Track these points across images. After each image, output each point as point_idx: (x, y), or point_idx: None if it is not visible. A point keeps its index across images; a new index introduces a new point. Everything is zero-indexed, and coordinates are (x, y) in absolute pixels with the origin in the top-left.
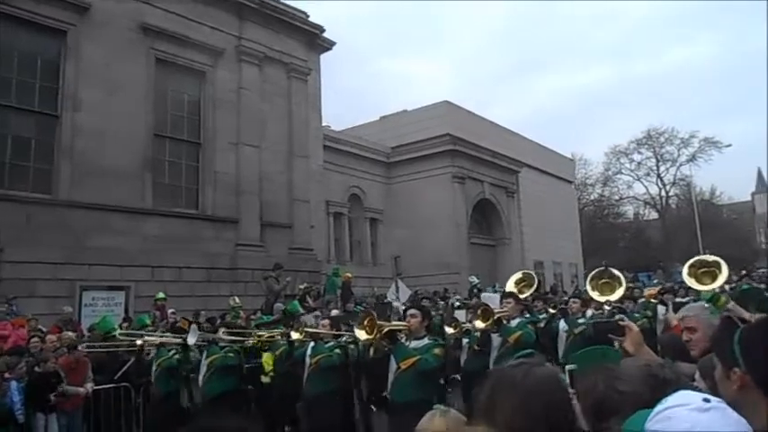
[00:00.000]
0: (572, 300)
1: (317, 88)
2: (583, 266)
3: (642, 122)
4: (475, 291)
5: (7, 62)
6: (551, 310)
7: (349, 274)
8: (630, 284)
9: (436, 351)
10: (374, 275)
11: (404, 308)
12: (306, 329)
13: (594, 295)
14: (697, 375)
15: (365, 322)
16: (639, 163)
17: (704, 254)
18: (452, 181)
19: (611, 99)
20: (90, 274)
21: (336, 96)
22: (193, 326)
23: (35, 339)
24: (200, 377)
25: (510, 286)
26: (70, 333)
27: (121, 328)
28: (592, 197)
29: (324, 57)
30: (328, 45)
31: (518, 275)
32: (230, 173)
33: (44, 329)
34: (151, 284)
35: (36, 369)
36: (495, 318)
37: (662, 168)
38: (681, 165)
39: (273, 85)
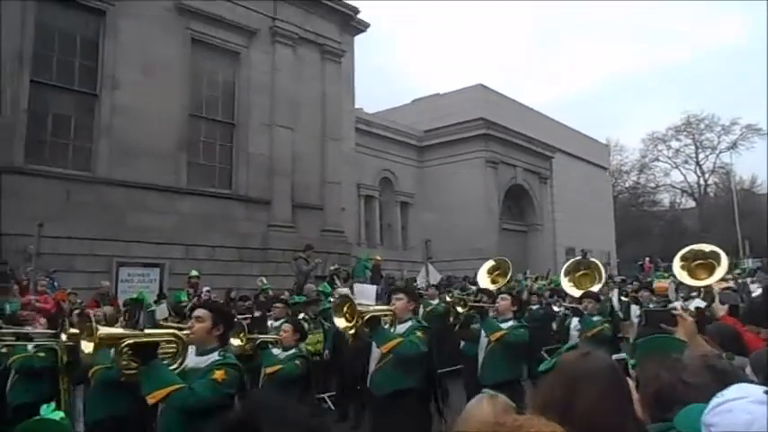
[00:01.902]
0: (587, 300)
1: (350, 70)
2: (615, 254)
3: (682, 108)
4: None
5: (48, 41)
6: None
7: (378, 258)
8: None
9: (418, 334)
10: (404, 259)
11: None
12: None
13: (568, 287)
14: (748, 369)
15: (344, 309)
16: (678, 150)
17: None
18: (485, 165)
19: (649, 84)
20: (126, 250)
21: (370, 79)
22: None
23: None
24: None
25: (482, 275)
26: (109, 307)
27: (155, 305)
28: (627, 184)
29: (358, 38)
30: (362, 27)
31: (491, 263)
32: (263, 154)
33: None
34: (185, 262)
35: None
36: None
37: (701, 156)
38: (721, 152)
39: (307, 66)
